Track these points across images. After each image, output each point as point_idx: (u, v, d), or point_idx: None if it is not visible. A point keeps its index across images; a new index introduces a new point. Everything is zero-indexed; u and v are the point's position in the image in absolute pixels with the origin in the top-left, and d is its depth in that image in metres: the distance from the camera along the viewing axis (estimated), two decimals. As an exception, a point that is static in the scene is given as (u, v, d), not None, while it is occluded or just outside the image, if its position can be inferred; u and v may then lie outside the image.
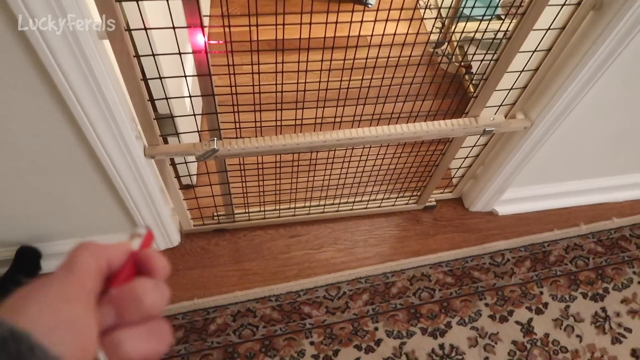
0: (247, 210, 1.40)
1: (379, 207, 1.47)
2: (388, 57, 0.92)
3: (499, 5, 1.87)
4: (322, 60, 0.90)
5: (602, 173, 1.50)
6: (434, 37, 1.89)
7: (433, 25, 1.97)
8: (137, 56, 0.81)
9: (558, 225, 1.51)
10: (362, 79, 0.96)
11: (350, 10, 0.86)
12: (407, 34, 0.88)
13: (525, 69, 1.02)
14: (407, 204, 1.49)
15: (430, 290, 1.35)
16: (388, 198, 1.47)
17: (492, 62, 0.97)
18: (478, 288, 1.36)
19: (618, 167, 1.48)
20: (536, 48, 0.97)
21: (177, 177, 1.19)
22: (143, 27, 0.77)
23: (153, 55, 0.83)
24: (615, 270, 1.42)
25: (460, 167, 1.41)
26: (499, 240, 1.46)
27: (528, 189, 1.48)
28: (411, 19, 0.90)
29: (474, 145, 1.29)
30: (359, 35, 0.87)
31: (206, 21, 1.47)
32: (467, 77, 1.69)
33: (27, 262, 1.18)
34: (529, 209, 1.53)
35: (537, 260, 1.43)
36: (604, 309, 1.35)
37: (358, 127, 1.06)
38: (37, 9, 0.63)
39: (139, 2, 0.72)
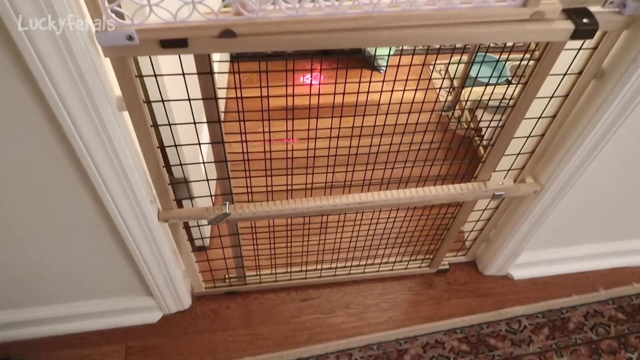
0: (258, 273, 1.40)
1: (392, 270, 1.46)
2: (397, 121, 0.95)
3: (508, 69, 1.92)
4: (331, 128, 0.93)
5: (620, 236, 1.47)
6: (443, 100, 1.94)
7: (448, 93, 2.03)
8: (155, 125, 0.85)
9: (576, 290, 1.47)
10: (371, 145, 0.99)
11: (366, 77, 0.90)
12: (423, 101, 0.91)
13: (532, 135, 1.04)
14: (419, 267, 1.47)
15: (444, 359, 1.30)
16: (400, 261, 1.45)
17: (498, 128, 0.99)
18: (495, 357, 1.31)
19: (636, 229, 1.45)
20: (541, 115, 0.99)
21: (190, 239, 1.21)
22: (161, 99, 0.81)
23: (169, 124, 0.87)
24: (639, 340, 1.36)
25: (472, 230, 1.40)
26: (515, 306, 1.42)
27: (544, 253, 1.45)
28: (427, 85, 0.93)
29: (485, 209, 1.29)
30: (368, 100, 0.90)
31: (223, 93, 1.55)
32: (477, 140, 1.72)
33: None
34: (545, 273, 1.50)
35: (555, 327, 1.38)
36: (630, 381, 1.28)
37: (368, 191, 1.08)
38: (63, 85, 0.67)
39: (157, 77, 0.77)
